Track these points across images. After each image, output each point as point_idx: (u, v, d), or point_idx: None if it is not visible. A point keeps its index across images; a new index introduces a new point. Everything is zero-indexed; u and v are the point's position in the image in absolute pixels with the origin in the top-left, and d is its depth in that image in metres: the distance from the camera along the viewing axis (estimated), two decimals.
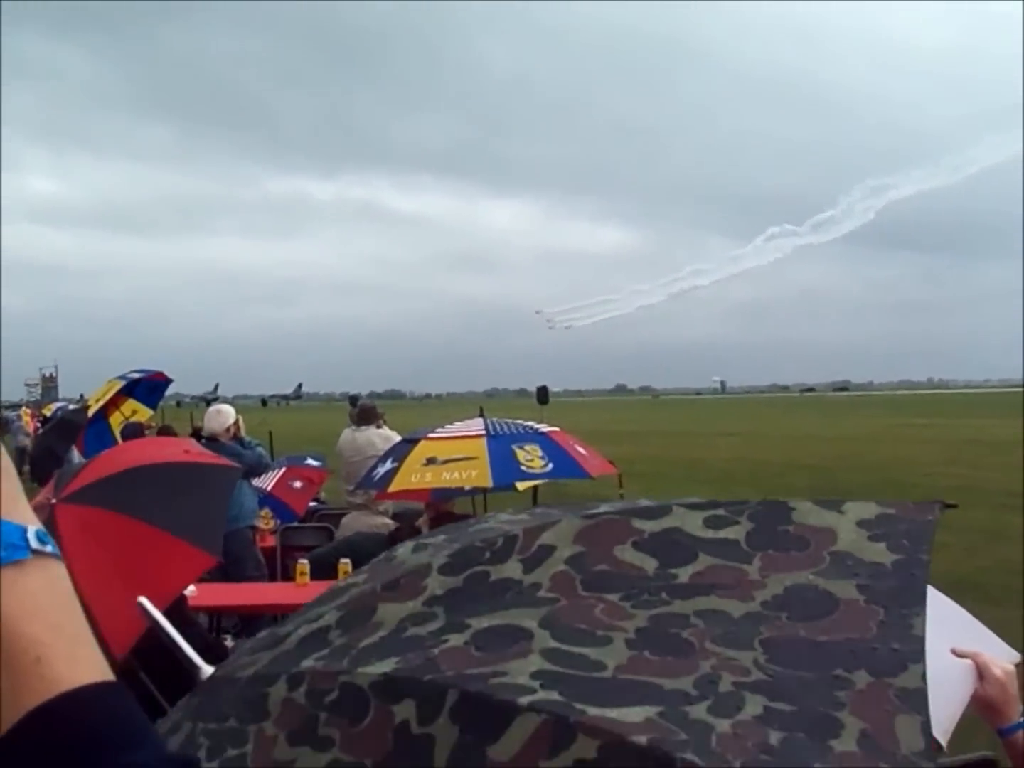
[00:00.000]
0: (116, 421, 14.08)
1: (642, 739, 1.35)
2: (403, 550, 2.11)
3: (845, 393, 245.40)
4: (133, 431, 13.20)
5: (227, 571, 8.67)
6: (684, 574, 1.67)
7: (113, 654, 4.42)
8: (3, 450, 1.15)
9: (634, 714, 1.39)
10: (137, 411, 14.29)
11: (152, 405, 15.06)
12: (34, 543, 1.08)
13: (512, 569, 1.76)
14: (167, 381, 15.35)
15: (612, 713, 1.39)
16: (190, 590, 6.38)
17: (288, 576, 9.49)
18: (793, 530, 1.72)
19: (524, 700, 1.45)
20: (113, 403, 14.39)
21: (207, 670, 2.08)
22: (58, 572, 1.11)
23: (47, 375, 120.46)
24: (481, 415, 8.48)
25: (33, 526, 1.10)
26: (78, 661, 1.07)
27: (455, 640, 1.65)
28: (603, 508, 1.95)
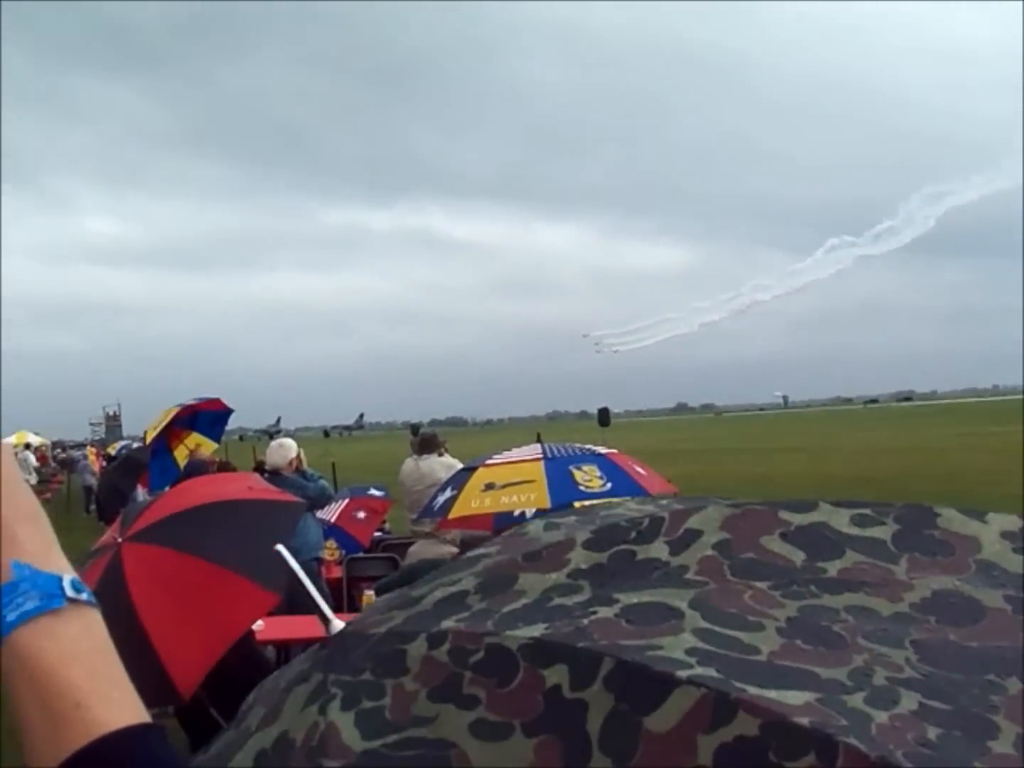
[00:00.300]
0: (181, 455, 14.18)
1: (804, 720, 1.32)
2: (534, 527, 2.08)
3: (909, 403, 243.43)
4: (196, 468, 13.29)
5: (293, 604, 8.71)
6: (832, 568, 1.63)
7: (180, 692, 4.45)
8: (36, 500, 1.18)
9: (793, 697, 1.35)
10: (201, 444, 14.37)
11: (216, 438, 15.14)
12: (70, 592, 1.11)
13: (658, 550, 1.74)
14: (228, 411, 15.43)
15: (772, 694, 1.36)
16: (257, 625, 6.40)
17: (355, 607, 9.50)
18: (939, 535, 1.68)
19: (683, 673, 1.39)
20: (176, 436, 14.50)
21: (338, 624, 2.05)
22: (94, 619, 1.14)
23: (111, 414, 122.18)
24: (539, 440, 8.47)
25: (68, 575, 1.13)
26: (116, 704, 1.09)
27: (604, 612, 1.61)
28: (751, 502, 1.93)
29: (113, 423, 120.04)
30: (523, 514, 8.84)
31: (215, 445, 14.82)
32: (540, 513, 8.86)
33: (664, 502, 2.20)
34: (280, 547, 2.58)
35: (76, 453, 42.60)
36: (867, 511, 1.73)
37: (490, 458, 8.25)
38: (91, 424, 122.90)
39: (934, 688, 1.40)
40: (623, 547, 1.76)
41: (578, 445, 8.39)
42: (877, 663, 1.45)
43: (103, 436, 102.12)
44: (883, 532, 1.68)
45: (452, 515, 7.93)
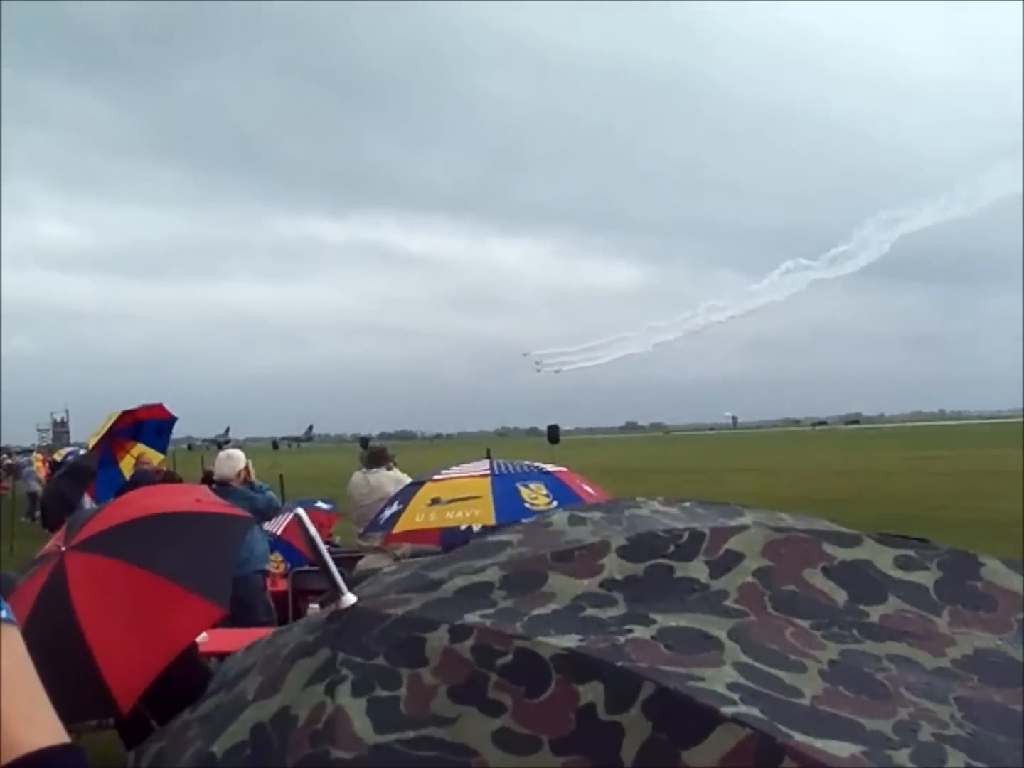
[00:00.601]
0: (127, 466, 14.07)
1: None
2: (557, 518, 2.05)
3: (857, 426, 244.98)
4: (143, 477, 13.17)
5: (237, 616, 8.64)
6: (875, 613, 1.63)
7: (119, 703, 4.40)
8: None
9: (840, 748, 1.35)
10: (145, 453, 14.24)
11: (161, 448, 15.02)
12: None
13: (698, 570, 1.72)
14: (172, 419, 15.31)
15: (818, 743, 1.35)
16: (201, 637, 6.35)
17: (299, 618, 9.44)
18: (982, 587, 1.66)
19: (728, 710, 1.40)
20: (121, 446, 14.37)
21: (350, 598, 2.00)
22: (12, 636, 1.11)
23: (58, 420, 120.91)
24: (488, 457, 8.47)
25: None
26: (35, 724, 1.07)
27: (641, 632, 1.60)
28: (787, 521, 1.90)
29: (60, 429, 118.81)
30: (469, 528, 8.85)
31: (161, 456, 14.68)
32: (486, 529, 8.87)
33: (688, 505, 2.18)
34: (300, 510, 2.53)
35: (22, 459, 42.13)
36: (911, 552, 1.72)
37: (438, 473, 8.24)
38: (38, 430, 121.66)
39: (979, 748, 1.38)
40: (661, 561, 1.74)
41: (527, 463, 8.39)
42: (922, 717, 1.44)
43: (50, 442, 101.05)
44: (926, 578, 1.67)
45: (397, 529, 7.93)
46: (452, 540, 9.13)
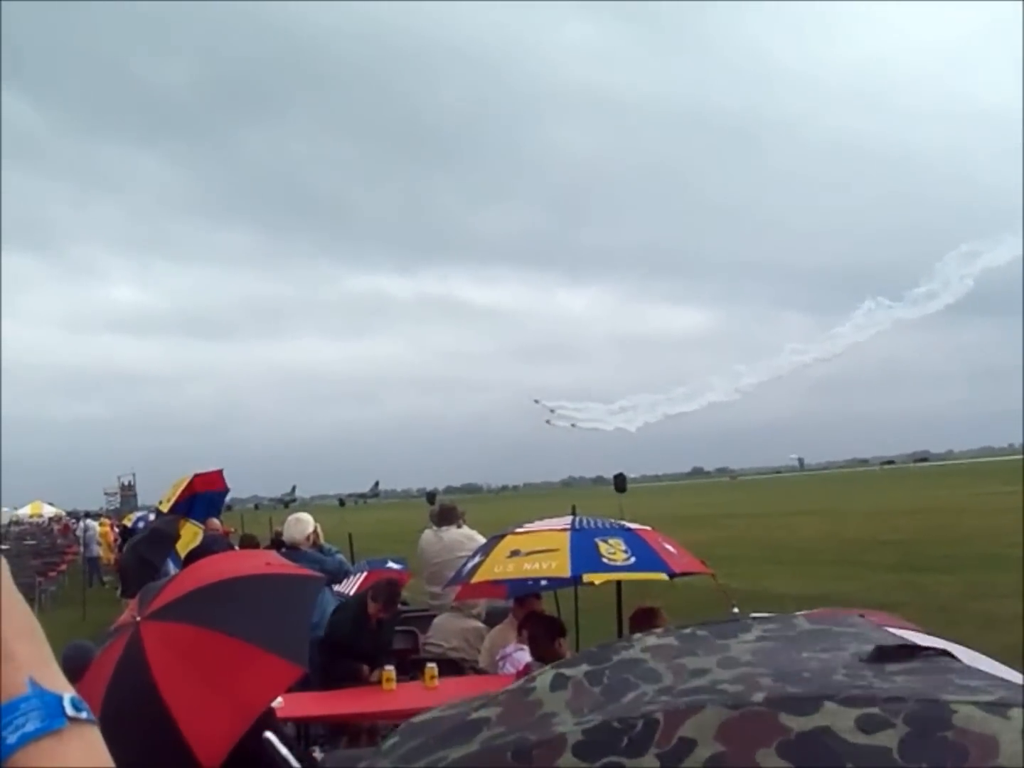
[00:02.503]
0: (181, 545, 14.09)
1: None
2: (541, 681, 2.04)
3: (925, 463, 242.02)
4: (215, 543, 13.26)
5: (309, 679, 8.66)
6: None
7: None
8: (32, 615, 1.16)
9: None
10: (197, 534, 14.27)
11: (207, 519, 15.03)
12: (70, 711, 1.10)
13: (650, 764, 1.70)
14: (225, 491, 15.42)
15: None
16: (277, 701, 6.36)
17: (374, 681, 9.43)
18: (952, 736, 1.58)
19: None
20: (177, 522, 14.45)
21: None
22: (94, 738, 1.13)
23: (125, 484, 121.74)
24: (573, 512, 8.52)
25: (68, 692, 1.12)
26: None
27: None
28: (754, 695, 1.85)
29: (128, 493, 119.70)
30: (538, 581, 8.86)
31: (201, 527, 14.65)
32: (552, 582, 8.90)
33: (688, 631, 2.15)
34: (269, 735, 2.59)
35: (92, 523, 42.43)
36: (876, 710, 1.65)
37: (520, 526, 8.32)
38: (106, 494, 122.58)
39: None
40: (613, 759, 1.73)
41: (610, 519, 8.47)
42: None
43: (118, 506, 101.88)
44: (890, 738, 1.58)
45: (476, 579, 8.07)
46: (521, 591, 9.17)
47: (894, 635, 2.10)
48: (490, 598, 10.11)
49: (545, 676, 2.05)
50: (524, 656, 8.34)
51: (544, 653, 7.95)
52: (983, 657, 2.47)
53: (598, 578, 8.38)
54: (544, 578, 8.63)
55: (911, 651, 1.85)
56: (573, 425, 66.46)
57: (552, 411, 66.93)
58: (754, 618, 2.20)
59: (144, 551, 14.21)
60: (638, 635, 2.24)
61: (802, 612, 2.35)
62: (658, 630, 2.29)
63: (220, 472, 15.20)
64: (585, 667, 2.03)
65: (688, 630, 2.15)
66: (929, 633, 2.62)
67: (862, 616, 2.31)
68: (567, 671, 2.04)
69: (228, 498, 16.57)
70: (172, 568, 13.51)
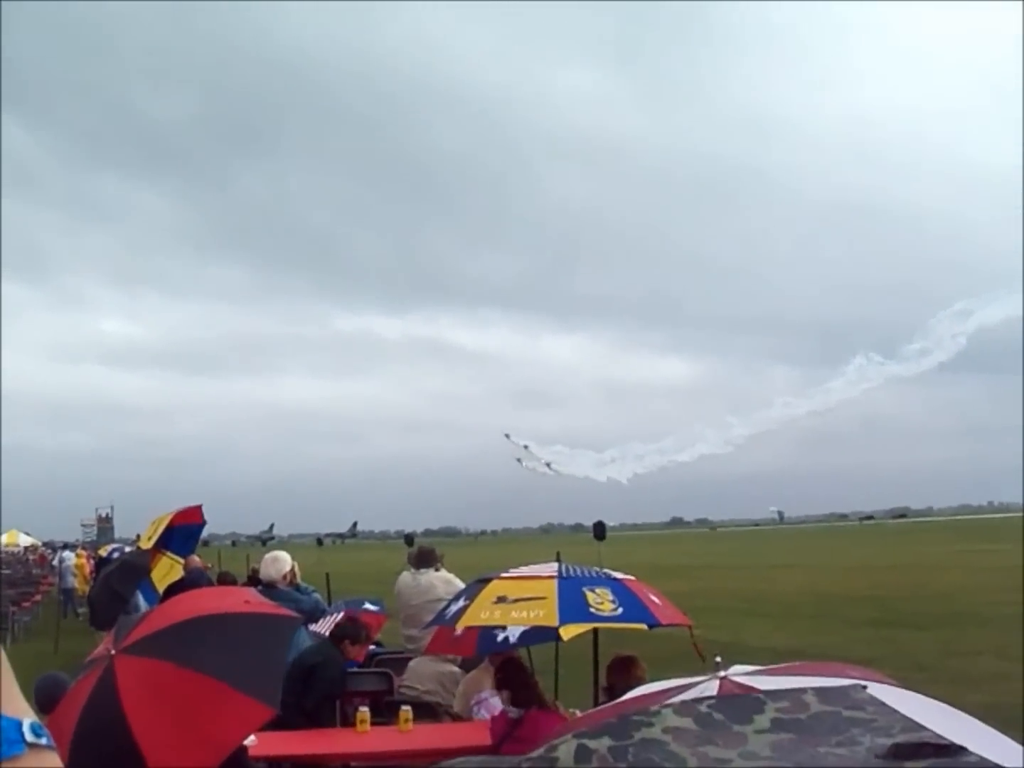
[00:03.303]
0: (158, 575, 14.02)
1: None
2: (565, 752, 2.02)
3: (904, 519, 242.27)
4: (200, 578, 13.20)
5: (282, 721, 8.59)
6: None
7: None
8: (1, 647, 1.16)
9: None
10: (174, 567, 14.20)
11: (185, 554, 14.95)
12: (29, 737, 1.10)
13: None
14: (201, 524, 15.35)
15: None
16: (250, 739, 6.32)
17: (348, 722, 9.37)
18: None
19: None
20: (153, 556, 14.36)
21: None
22: (53, 763, 1.12)
23: (103, 515, 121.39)
24: (558, 559, 8.46)
25: (28, 718, 1.12)
26: None
27: None
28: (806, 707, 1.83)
29: (105, 525, 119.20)
30: (506, 639, 8.83)
31: (182, 561, 14.57)
32: (523, 638, 8.83)
33: (704, 710, 2.14)
34: None
35: (68, 554, 42.14)
36: None
37: (506, 571, 8.27)
38: (83, 525, 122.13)
39: None
40: None
41: (596, 568, 8.44)
42: None
43: (94, 538, 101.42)
44: None
45: (461, 624, 8.01)
46: (490, 648, 9.11)
47: (904, 719, 2.09)
48: (459, 655, 10.04)
49: (568, 746, 2.03)
50: (499, 702, 8.29)
51: (519, 699, 7.92)
52: (980, 724, 2.47)
53: (570, 632, 8.32)
54: (528, 627, 8.58)
55: (927, 749, 1.85)
56: (548, 465, 65.54)
57: (525, 447, 65.57)
58: (766, 694, 2.20)
59: (114, 583, 14.14)
60: (655, 709, 2.22)
61: (797, 664, 2.35)
62: (674, 702, 2.28)
63: (199, 507, 15.14)
64: (608, 741, 2.01)
65: (704, 708, 2.14)
66: (906, 688, 2.62)
67: (865, 687, 2.30)
68: (590, 743, 2.02)
69: (206, 534, 16.55)
70: (142, 601, 13.46)
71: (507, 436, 66.67)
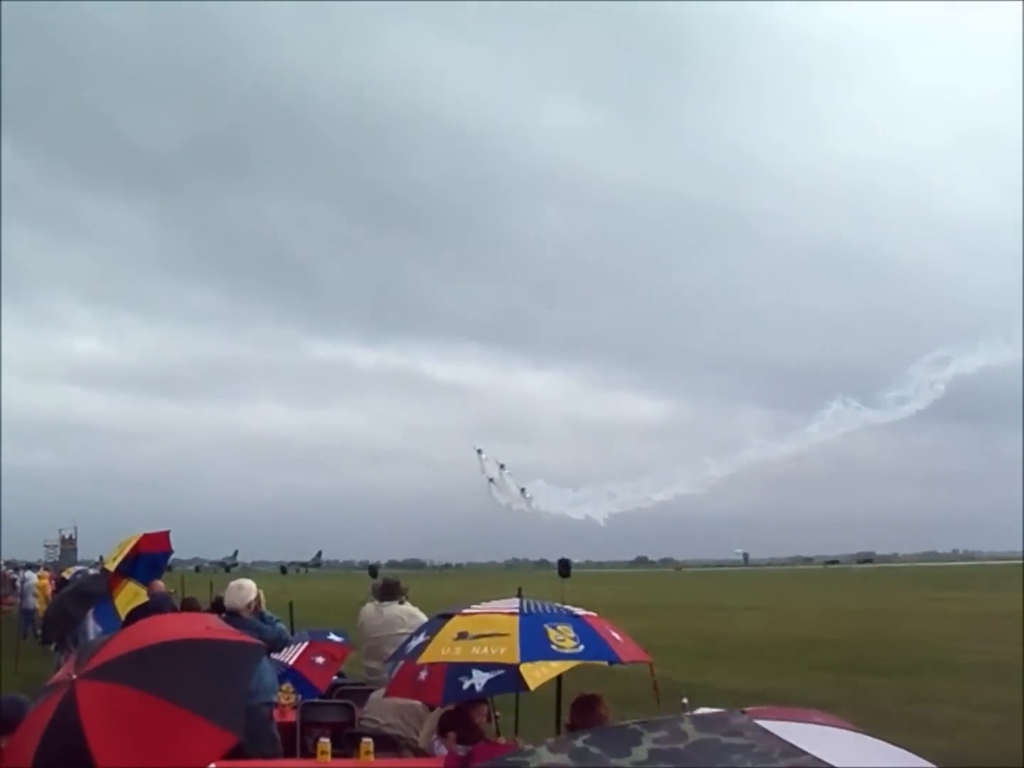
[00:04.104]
0: (122, 602, 13.96)
1: None
2: None
3: (870, 565, 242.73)
4: (161, 602, 13.12)
5: (242, 748, 8.54)
6: None
7: None
8: None
9: None
10: (138, 594, 14.14)
11: (148, 581, 14.87)
12: None
13: None
14: (168, 553, 15.28)
15: None
16: (211, 767, 6.29)
17: (308, 753, 9.34)
18: None
19: None
20: (116, 582, 14.29)
21: None
22: None
23: (66, 537, 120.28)
24: (519, 595, 8.45)
25: None
26: None
27: None
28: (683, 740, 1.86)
29: (68, 547, 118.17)
30: (472, 687, 8.80)
31: (141, 589, 14.49)
32: (491, 687, 8.83)
33: (580, 745, 2.16)
34: None
35: (30, 574, 41.79)
36: None
37: (468, 607, 8.24)
38: (45, 546, 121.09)
39: None
40: None
41: (557, 604, 8.41)
42: None
43: (57, 559, 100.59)
44: None
45: (422, 659, 7.97)
46: (456, 697, 9.07)
47: (783, 744, 2.12)
48: (424, 702, 9.96)
49: None
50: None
51: (464, 738, 8.03)
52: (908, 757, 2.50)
53: (536, 681, 8.28)
54: (494, 676, 8.59)
55: None
56: (523, 490, 64.89)
57: (502, 467, 64.50)
58: (643, 724, 2.21)
59: (67, 604, 14.13)
60: (529, 747, 2.24)
61: (764, 708, 2.38)
62: (551, 740, 2.29)
63: (167, 533, 15.07)
64: None
65: (579, 744, 2.16)
66: (865, 734, 2.65)
67: (744, 712, 2.32)
68: None
69: (170, 559, 16.43)
70: (92, 624, 13.42)
71: (479, 452, 65.73)
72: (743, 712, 2.29)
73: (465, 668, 8.54)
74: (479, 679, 8.73)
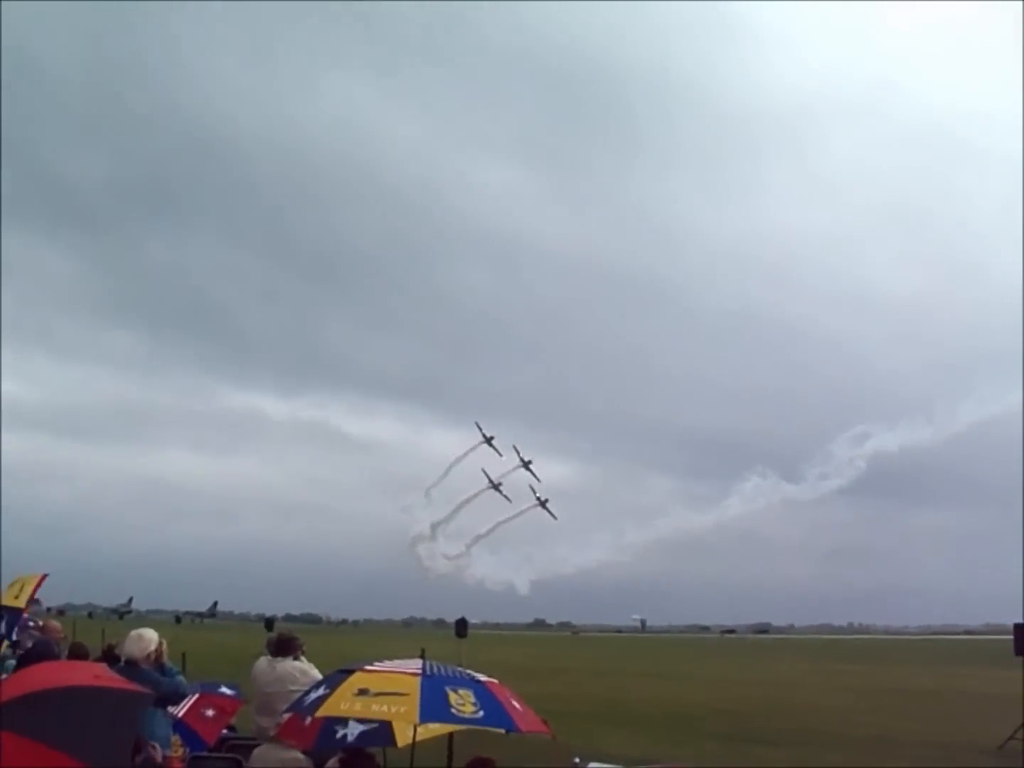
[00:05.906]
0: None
1: None
2: None
3: (766, 635, 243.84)
4: (47, 650, 12.91)
5: None
6: None
7: None
8: None
9: None
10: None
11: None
12: None
13: None
14: (19, 611, 15.07)
15: None
16: None
17: None
18: None
19: None
20: None
21: None
22: None
23: None
24: (422, 656, 8.42)
25: None
26: None
27: None
28: None
29: None
30: (344, 737, 8.78)
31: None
32: (365, 739, 8.82)
33: None
34: None
35: None
36: None
37: (370, 664, 8.20)
38: None
39: None
40: None
41: (460, 669, 8.40)
42: None
43: None
44: None
45: (320, 712, 7.93)
46: (328, 744, 9.06)
47: None
48: (300, 745, 9.88)
49: None
50: None
51: None
52: None
53: (406, 737, 8.27)
54: (368, 728, 8.63)
55: None
56: (468, 547, 64.67)
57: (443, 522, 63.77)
58: None
59: None
60: None
61: None
62: None
63: (43, 578, 14.86)
64: None
65: None
66: None
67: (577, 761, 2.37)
68: None
69: (62, 602, 16.23)
70: None
71: (428, 493, 65.24)
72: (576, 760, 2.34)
73: (341, 718, 8.54)
74: (353, 729, 8.78)
